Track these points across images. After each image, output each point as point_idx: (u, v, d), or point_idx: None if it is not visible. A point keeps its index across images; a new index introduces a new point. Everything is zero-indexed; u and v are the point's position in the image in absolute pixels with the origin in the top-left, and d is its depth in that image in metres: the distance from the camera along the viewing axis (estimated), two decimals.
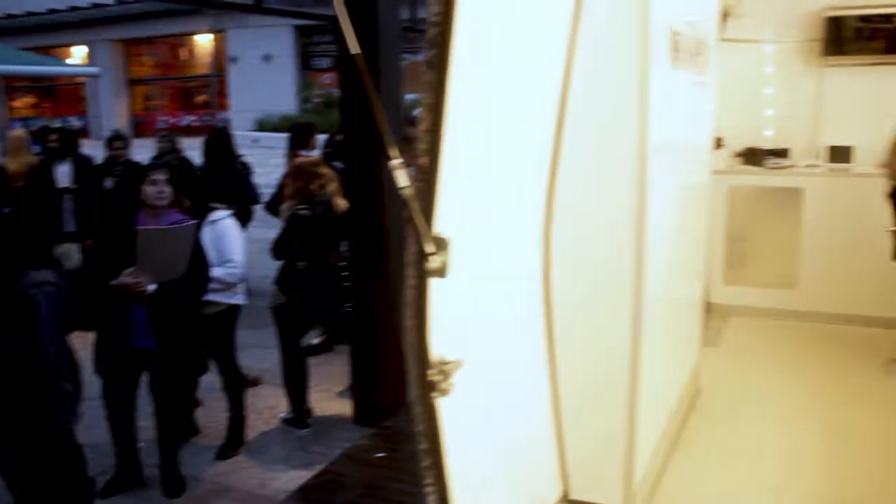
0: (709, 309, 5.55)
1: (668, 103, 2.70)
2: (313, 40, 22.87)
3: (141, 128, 24.60)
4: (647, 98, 2.39)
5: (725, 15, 5.20)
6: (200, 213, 3.89)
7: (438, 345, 1.63)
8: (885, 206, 4.41)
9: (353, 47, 1.56)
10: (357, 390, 4.43)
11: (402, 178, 1.49)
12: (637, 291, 2.54)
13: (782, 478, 3.40)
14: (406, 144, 3.31)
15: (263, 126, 21.38)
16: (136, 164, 6.31)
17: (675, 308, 3.45)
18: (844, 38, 5.55)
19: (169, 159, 5.01)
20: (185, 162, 5.63)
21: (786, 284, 5.49)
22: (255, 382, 4.83)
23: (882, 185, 4.45)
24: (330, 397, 4.79)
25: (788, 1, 5.52)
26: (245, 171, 6.62)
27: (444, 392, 1.66)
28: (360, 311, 4.29)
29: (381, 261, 4.07)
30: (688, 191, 3.50)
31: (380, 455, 3.83)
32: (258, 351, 5.12)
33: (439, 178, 1.54)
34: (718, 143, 5.41)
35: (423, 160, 1.54)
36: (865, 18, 5.51)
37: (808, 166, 5.52)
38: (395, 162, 1.50)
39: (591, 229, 2.53)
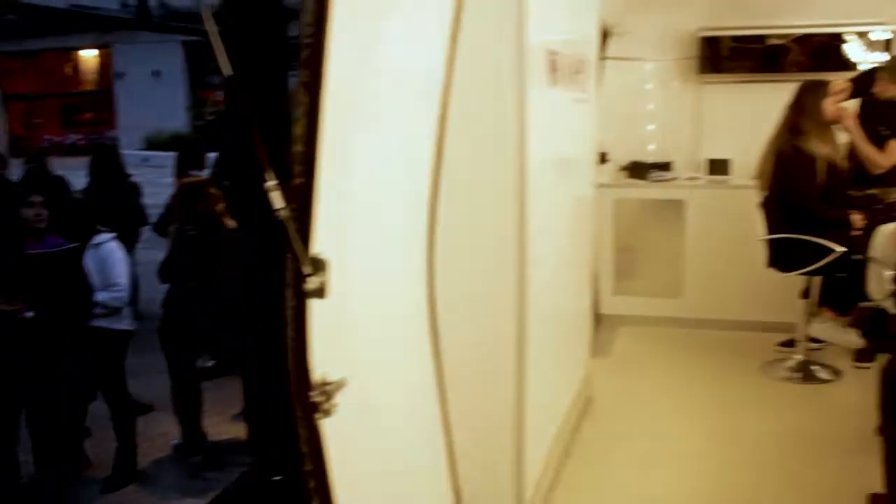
0: (599, 319, 5.70)
1: (547, 121, 2.78)
2: (204, 56, 22.47)
3: (22, 147, 23.58)
4: (525, 116, 2.46)
5: (607, 34, 5.38)
6: (83, 236, 3.78)
7: (320, 365, 1.63)
8: (759, 216, 4.62)
9: (226, 68, 1.55)
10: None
11: (278, 200, 1.49)
12: (521, 304, 2.59)
13: (673, 482, 3.51)
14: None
15: (153, 144, 20.82)
16: (9, 185, 6.06)
17: (563, 319, 3.53)
18: (720, 57, 5.84)
19: (40, 179, 4.85)
20: (60, 183, 5.45)
21: (672, 293, 5.69)
22: (146, 409, 4.69)
23: (756, 196, 4.67)
24: (224, 421, 4.70)
25: (666, 21, 5.74)
26: (134, 191, 6.45)
27: (328, 413, 1.65)
28: (250, 331, 4.22)
29: (270, 281, 4.01)
30: (572, 204, 3.59)
31: (276, 479, 3.77)
32: (150, 376, 4.97)
33: (316, 198, 1.54)
34: (603, 158, 5.58)
35: (299, 180, 1.54)
36: (739, 39, 5.81)
37: (689, 179, 5.74)
38: (271, 183, 1.49)
39: (474, 244, 2.57)
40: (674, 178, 5.74)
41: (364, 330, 1.95)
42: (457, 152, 2.41)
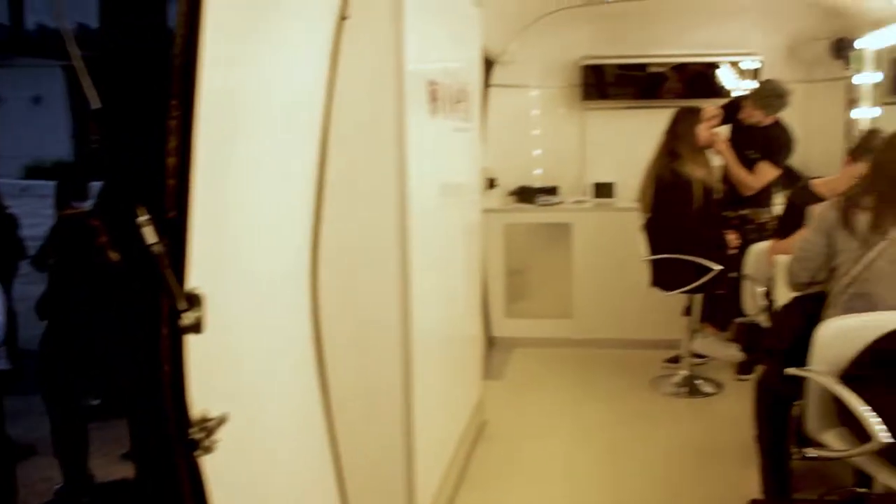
0: (492, 342, 5.78)
1: (428, 149, 2.82)
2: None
3: None
4: (405, 146, 2.49)
5: (492, 62, 5.51)
6: None
7: (201, 401, 1.60)
8: (642, 238, 4.79)
9: (94, 101, 1.52)
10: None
11: (151, 235, 1.46)
12: (405, 330, 2.61)
13: (568, 498, 3.58)
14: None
15: (34, 173, 19.99)
16: None
17: (452, 344, 3.56)
18: (604, 84, 6.04)
19: None
20: None
21: (562, 314, 5.82)
22: (28, 453, 4.47)
23: (638, 218, 4.83)
24: (113, 461, 4.52)
25: (550, 50, 5.92)
26: (10, 223, 6.16)
27: (208, 450, 1.63)
28: (132, 368, 4.10)
29: (155, 316, 3.91)
30: (458, 230, 3.64)
31: None
32: (32, 418, 4.74)
33: (190, 232, 1.52)
34: (492, 184, 5.69)
35: (172, 213, 1.52)
36: (623, 67, 6.03)
37: (575, 202, 5.90)
38: (142, 218, 1.47)
39: (357, 272, 2.58)
40: (560, 202, 5.89)
41: (247, 363, 1.93)
42: (338, 183, 2.43)
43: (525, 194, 5.91)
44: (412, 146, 2.55)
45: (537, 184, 6.00)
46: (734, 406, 4.55)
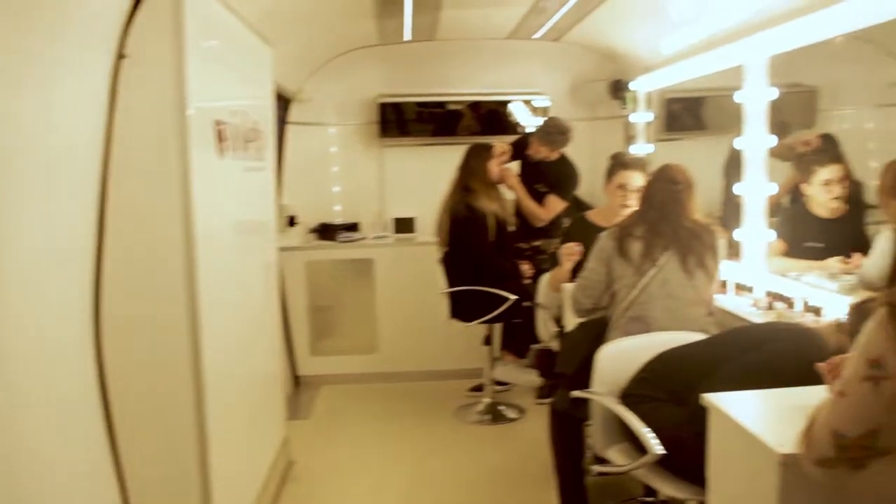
0: (299, 382, 5.71)
1: (216, 190, 2.76)
2: None
3: None
4: (191, 188, 2.43)
5: (289, 100, 5.49)
6: None
7: None
8: (440, 271, 4.90)
9: None
10: None
11: None
12: (197, 372, 2.53)
13: None
14: None
15: None
16: None
17: (251, 384, 3.48)
18: (403, 121, 6.15)
19: None
20: None
21: (368, 350, 5.84)
22: None
23: (437, 252, 4.95)
24: None
25: (347, 88, 5.97)
26: None
27: None
28: None
29: None
30: (253, 269, 3.57)
31: None
32: None
33: None
34: (292, 221, 5.64)
35: None
36: (423, 104, 6.16)
37: (377, 238, 5.96)
38: None
39: (144, 316, 2.48)
40: (362, 238, 5.92)
41: (23, 416, 1.81)
42: (123, 225, 2.34)
43: (326, 231, 5.91)
44: (199, 188, 2.49)
45: (338, 220, 6.01)
46: (536, 430, 4.71)
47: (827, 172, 3.62)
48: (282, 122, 5.49)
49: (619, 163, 4.01)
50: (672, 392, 2.61)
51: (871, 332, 1.47)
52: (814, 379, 1.85)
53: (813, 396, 1.67)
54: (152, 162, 2.42)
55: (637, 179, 3.85)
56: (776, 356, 2.44)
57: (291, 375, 5.64)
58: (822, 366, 1.82)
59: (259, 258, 3.69)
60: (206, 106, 2.63)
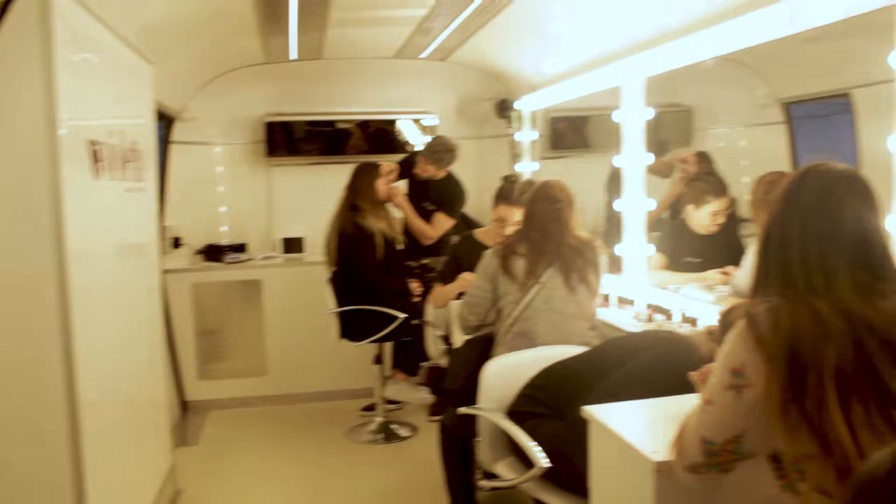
0: (186, 407, 5.55)
1: (91, 213, 2.67)
2: None
3: None
4: (62, 210, 2.33)
5: (172, 119, 5.36)
6: None
7: None
8: (329, 291, 4.87)
9: None
10: None
11: None
12: (71, 399, 2.43)
13: None
14: None
15: None
16: None
17: (133, 411, 3.36)
18: (292, 140, 6.09)
19: None
20: None
21: (257, 372, 5.73)
22: None
23: (326, 272, 4.92)
24: None
25: (233, 107, 5.87)
26: None
27: None
28: None
29: None
30: (134, 292, 3.46)
31: None
32: None
33: None
34: (177, 243, 5.50)
35: None
36: (312, 123, 6.11)
37: (265, 258, 5.87)
38: None
39: (11, 347, 2.38)
40: (250, 259, 5.82)
41: None
42: None
43: (213, 252, 5.77)
44: (72, 211, 2.39)
45: (225, 241, 5.88)
46: (429, 447, 4.70)
47: (717, 205, 3.81)
48: (164, 141, 5.35)
49: (502, 195, 4.06)
50: (554, 408, 2.67)
51: (733, 341, 1.55)
52: (688, 386, 1.93)
53: (686, 404, 1.74)
54: (20, 183, 2.32)
55: (517, 216, 3.80)
56: (652, 364, 2.53)
57: (178, 401, 5.48)
58: (693, 374, 1.90)
59: (141, 281, 3.58)
60: (79, 125, 2.54)
